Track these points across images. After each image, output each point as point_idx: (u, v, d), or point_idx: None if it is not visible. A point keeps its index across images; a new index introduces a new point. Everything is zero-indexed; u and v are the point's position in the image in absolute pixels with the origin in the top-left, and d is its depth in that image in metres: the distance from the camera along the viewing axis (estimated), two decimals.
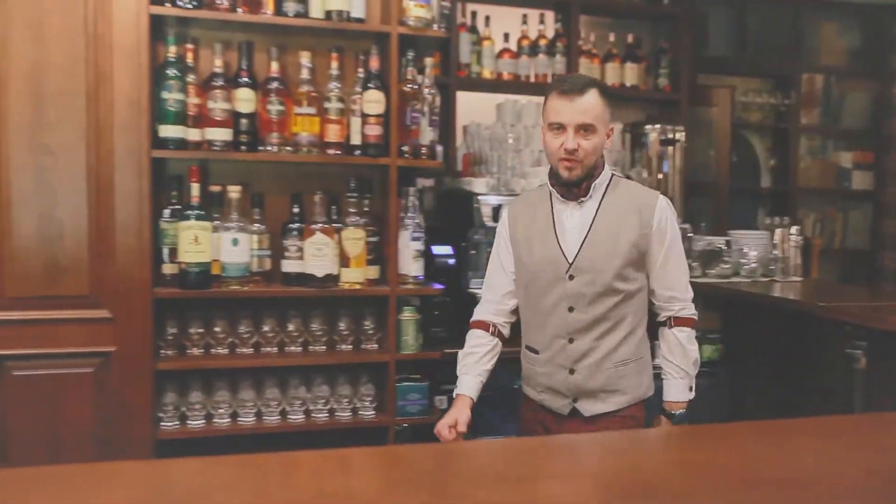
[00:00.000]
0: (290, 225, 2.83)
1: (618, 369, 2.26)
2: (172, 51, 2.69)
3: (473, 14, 3.77)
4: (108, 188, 2.61)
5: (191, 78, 2.72)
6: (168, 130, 2.66)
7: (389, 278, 2.90)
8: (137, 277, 2.65)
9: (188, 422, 2.79)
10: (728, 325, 3.40)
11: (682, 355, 2.30)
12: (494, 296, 2.40)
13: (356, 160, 2.86)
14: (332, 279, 2.83)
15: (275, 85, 2.77)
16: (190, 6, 2.68)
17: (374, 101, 2.80)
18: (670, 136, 3.70)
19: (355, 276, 2.86)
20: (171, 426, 2.76)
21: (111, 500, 1.18)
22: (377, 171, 2.97)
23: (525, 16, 3.85)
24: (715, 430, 1.59)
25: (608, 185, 2.28)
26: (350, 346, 2.96)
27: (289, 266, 2.83)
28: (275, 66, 2.78)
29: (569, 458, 1.35)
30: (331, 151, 2.82)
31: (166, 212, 2.77)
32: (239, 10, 2.74)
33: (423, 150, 2.92)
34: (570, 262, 2.22)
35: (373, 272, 2.92)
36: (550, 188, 2.28)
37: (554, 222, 2.27)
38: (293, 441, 2.88)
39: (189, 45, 2.76)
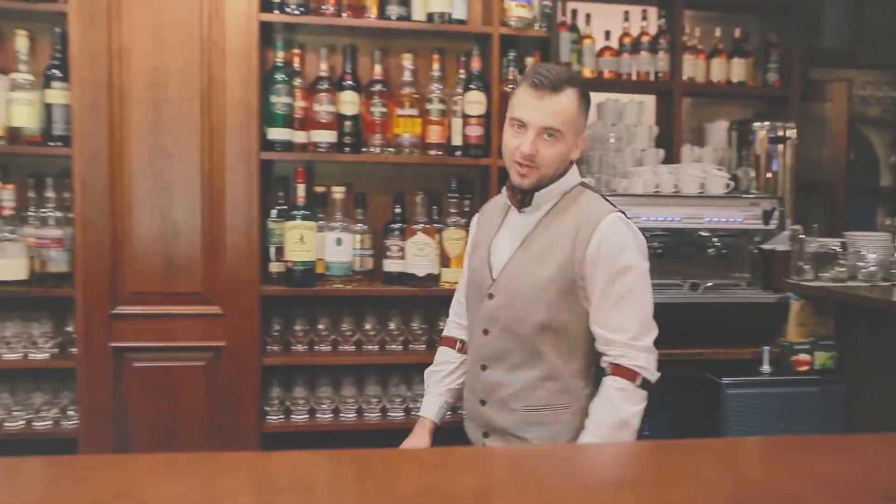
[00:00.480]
0: (392, 225, 2.87)
1: (530, 414, 1.91)
2: (280, 56, 2.77)
3: (574, 12, 3.72)
4: (219, 189, 2.72)
5: (297, 82, 2.80)
6: (276, 133, 2.75)
7: None
8: (246, 275, 2.74)
9: (292, 416, 2.87)
10: (844, 331, 3.23)
11: (606, 411, 1.86)
12: (458, 308, 2.20)
13: (457, 161, 2.88)
14: (433, 279, 2.86)
15: (378, 87, 2.82)
16: (297, 12, 2.75)
17: (475, 101, 2.81)
18: (780, 133, 3.55)
19: (455, 276, 2.87)
20: (276, 420, 2.85)
21: (223, 488, 1.23)
22: (478, 171, 2.98)
23: (627, 12, 3.77)
24: (834, 440, 1.52)
25: (564, 196, 1.94)
26: None
27: (390, 265, 2.87)
28: (378, 68, 2.83)
29: (686, 463, 1.31)
30: (432, 152, 2.85)
31: (273, 212, 2.86)
32: (344, 14, 2.80)
33: None
34: (493, 278, 1.96)
35: None
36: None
37: (497, 232, 2.02)
38: (393, 438, 2.91)
39: (296, 50, 2.84)
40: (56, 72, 2.67)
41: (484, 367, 1.97)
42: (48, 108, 2.68)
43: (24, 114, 2.64)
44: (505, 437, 1.95)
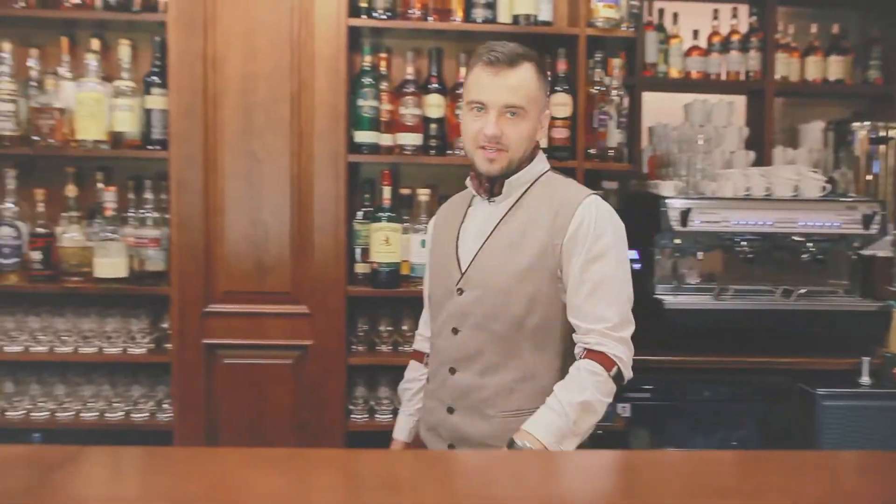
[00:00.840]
0: None
1: (508, 420, 1.75)
2: (368, 60, 2.81)
3: (661, 12, 3.66)
4: (308, 192, 2.78)
5: (384, 85, 2.84)
6: (363, 136, 2.79)
7: None
8: (333, 276, 2.79)
9: (377, 416, 2.90)
10: None
11: (573, 390, 1.69)
12: (424, 319, 2.09)
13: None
14: None
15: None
16: (384, 17, 2.79)
17: (561, 103, 2.79)
18: (882, 133, 3.40)
19: None
20: (360, 419, 2.88)
21: (314, 484, 1.26)
22: (563, 173, 2.94)
23: (716, 10, 3.68)
24: None
25: (535, 182, 1.85)
26: None
27: None
28: (463, 71, 2.84)
29: (780, 475, 1.27)
30: None
31: (359, 213, 2.90)
32: (430, 18, 2.82)
33: (611, 153, 2.87)
34: (462, 272, 1.83)
35: None
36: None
37: (462, 225, 1.90)
38: None
39: (383, 54, 2.88)
40: (155, 79, 2.78)
41: (453, 371, 1.83)
42: (147, 113, 2.79)
43: (125, 119, 2.76)
44: (475, 448, 1.80)
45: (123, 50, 2.78)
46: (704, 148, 3.32)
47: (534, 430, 1.68)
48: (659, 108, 3.71)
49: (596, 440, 2.97)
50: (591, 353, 1.72)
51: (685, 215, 3.07)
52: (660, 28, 3.57)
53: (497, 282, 1.78)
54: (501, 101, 1.75)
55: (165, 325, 2.87)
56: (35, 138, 2.73)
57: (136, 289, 2.81)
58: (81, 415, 2.82)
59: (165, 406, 2.85)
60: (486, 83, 1.76)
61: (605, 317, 1.73)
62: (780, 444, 2.90)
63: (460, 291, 1.82)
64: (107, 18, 2.78)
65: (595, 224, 1.76)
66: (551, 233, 1.77)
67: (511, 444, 1.69)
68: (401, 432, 2.09)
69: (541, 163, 1.89)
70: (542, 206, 1.80)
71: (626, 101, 2.96)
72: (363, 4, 2.78)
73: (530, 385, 1.78)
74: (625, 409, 3.10)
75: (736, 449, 2.77)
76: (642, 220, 3.34)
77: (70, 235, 2.77)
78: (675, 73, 3.53)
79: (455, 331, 1.82)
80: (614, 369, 1.72)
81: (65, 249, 2.77)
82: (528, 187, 1.85)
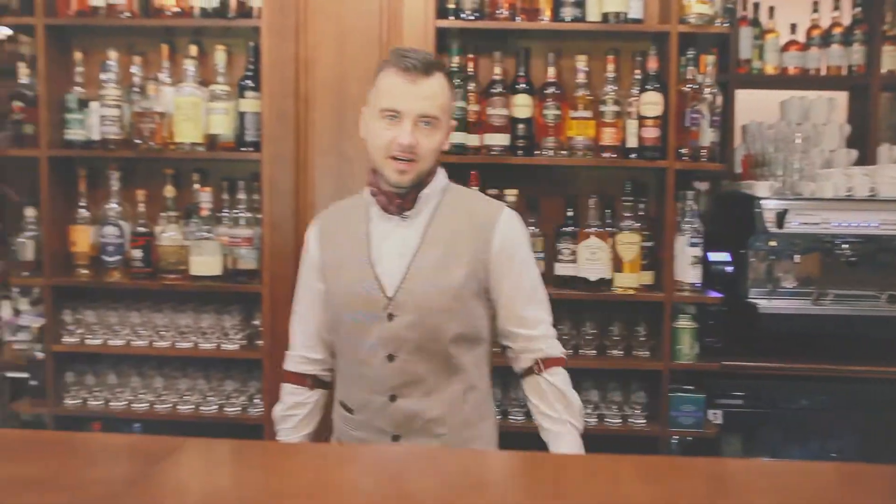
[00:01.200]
0: (564, 228, 2.84)
1: (456, 435, 1.78)
2: (455, 61, 2.82)
3: (756, 6, 3.55)
4: None
5: (471, 86, 2.83)
6: (451, 137, 2.79)
7: (665, 284, 2.81)
8: None
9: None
10: None
11: (564, 405, 1.80)
12: (304, 340, 1.93)
13: (632, 163, 2.80)
14: (606, 283, 2.80)
15: (551, 90, 2.80)
16: (472, 18, 2.79)
17: (651, 102, 2.73)
18: None
19: (629, 281, 2.81)
20: None
21: (409, 482, 1.27)
22: (653, 174, 2.90)
23: (816, 3, 3.54)
24: None
25: (445, 194, 1.82)
26: (621, 352, 2.91)
27: (562, 269, 2.84)
28: (551, 71, 2.81)
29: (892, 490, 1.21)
30: (606, 155, 2.79)
31: None
32: (518, 18, 2.80)
33: (703, 152, 2.80)
34: (390, 297, 1.74)
35: (647, 277, 2.85)
36: (369, 197, 1.82)
37: (370, 244, 1.79)
38: None
39: (470, 55, 2.88)
40: (249, 82, 2.86)
41: (393, 398, 1.76)
42: (241, 116, 2.87)
43: (220, 122, 2.84)
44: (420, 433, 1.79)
45: (219, 55, 2.87)
46: (802, 147, 3.20)
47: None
48: (753, 105, 3.61)
49: (686, 447, 2.93)
50: (549, 361, 1.83)
51: (781, 217, 2.97)
52: (755, 23, 3.46)
53: (433, 304, 1.74)
54: (417, 111, 1.71)
55: (257, 322, 2.95)
56: (137, 141, 2.84)
57: (229, 286, 2.89)
58: (178, 407, 2.93)
59: (256, 401, 2.93)
60: (401, 90, 1.72)
61: (542, 319, 1.85)
62: (885, 458, 2.76)
63: (390, 317, 1.75)
64: (204, 25, 2.87)
65: (516, 235, 1.83)
66: (476, 249, 1.78)
67: None
68: None
69: (441, 174, 1.86)
70: (462, 222, 1.80)
71: (718, 99, 2.87)
72: (451, 6, 2.79)
73: (474, 394, 1.82)
74: (716, 416, 3.02)
75: (836, 461, 2.65)
76: (735, 221, 3.25)
77: (168, 234, 2.87)
78: (770, 69, 3.42)
79: (391, 357, 1.75)
80: (566, 363, 1.87)
81: (163, 248, 2.88)
82: (440, 200, 1.82)
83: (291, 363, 1.96)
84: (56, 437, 1.82)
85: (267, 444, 1.78)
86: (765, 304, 3.01)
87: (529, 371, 1.83)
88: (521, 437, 2.86)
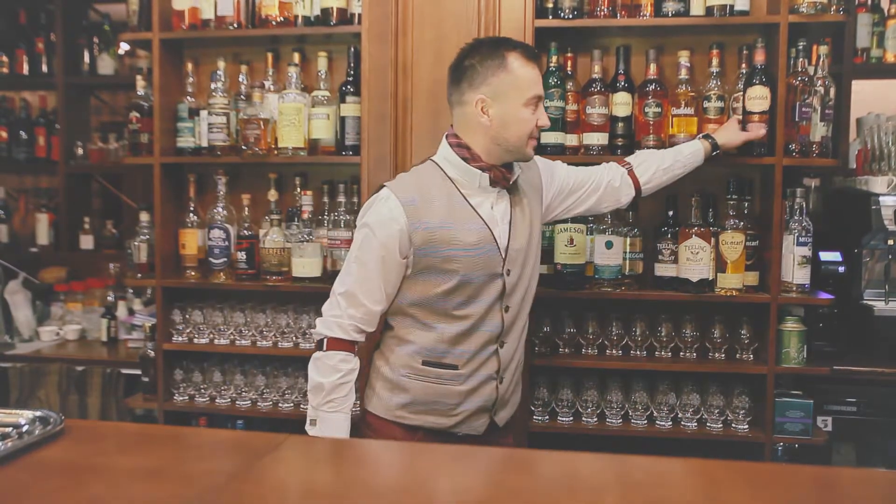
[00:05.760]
0: (665, 228, 2.78)
1: (519, 373, 2.17)
2: (553, 60, 2.79)
3: None
4: None
5: (570, 85, 2.80)
6: (548, 137, 2.77)
7: (770, 285, 2.70)
8: None
9: (558, 417, 2.88)
10: None
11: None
12: (366, 311, 2.01)
13: (736, 160, 2.70)
14: (707, 284, 2.72)
15: (652, 87, 2.73)
16: (571, 16, 2.75)
17: (758, 97, 2.62)
18: None
19: (732, 282, 2.71)
20: (541, 420, 2.87)
21: (504, 483, 1.26)
22: (759, 171, 2.79)
23: None
24: None
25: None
26: (723, 355, 2.82)
27: (662, 270, 2.78)
28: (652, 67, 2.75)
29: None
30: None
31: None
32: (618, 15, 2.75)
33: (814, 148, 2.67)
34: (503, 257, 2.01)
35: (751, 278, 2.74)
36: (464, 171, 2.01)
37: (480, 212, 2.01)
38: (658, 446, 2.83)
39: (568, 54, 2.84)
40: (349, 87, 2.92)
41: (502, 344, 2.05)
42: (342, 120, 2.93)
43: (321, 127, 2.91)
44: (508, 401, 2.13)
45: (321, 61, 2.94)
46: None
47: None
48: (871, 97, 3.42)
49: (792, 454, 2.80)
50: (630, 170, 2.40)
51: None
52: (875, 8, 3.26)
53: (530, 259, 2.08)
54: (542, 93, 2.02)
55: None
56: (242, 147, 2.95)
57: (329, 287, 2.94)
58: (279, 405, 3.01)
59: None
60: (535, 77, 1.98)
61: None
62: None
63: (508, 272, 2.02)
64: (307, 33, 2.95)
65: (550, 166, 2.29)
66: (538, 204, 2.15)
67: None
68: (348, 432, 2.02)
69: None
70: (525, 184, 2.11)
71: (832, 91, 2.73)
72: (549, 5, 2.76)
73: (525, 336, 2.18)
74: (826, 424, 2.89)
75: None
76: (848, 219, 3.10)
77: (271, 237, 2.97)
78: (891, 57, 3.23)
79: (507, 308, 2.03)
80: None
81: (266, 250, 2.97)
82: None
83: (342, 331, 2.03)
84: (166, 432, 1.91)
85: (366, 442, 1.81)
86: (881, 307, 2.86)
87: (628, 175, 2.37)
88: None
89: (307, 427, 2.04)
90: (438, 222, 1.96)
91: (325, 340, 2.04)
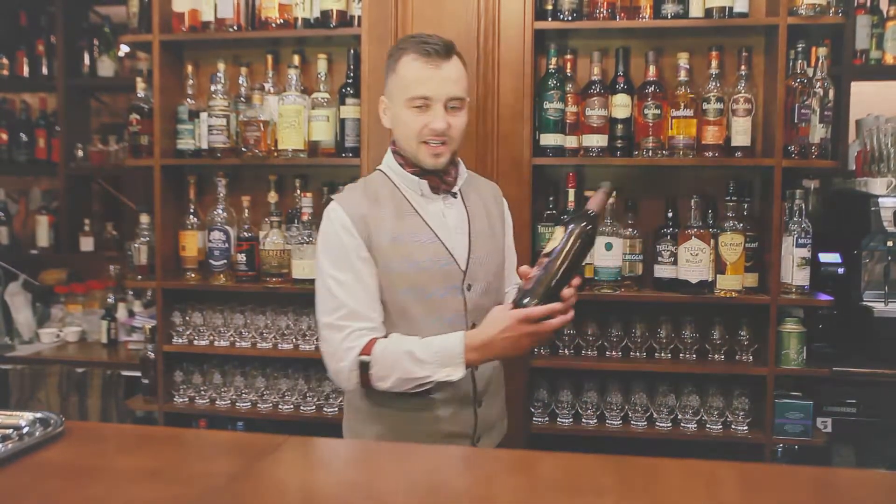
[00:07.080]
0: (664, 230, 2.78)
1: (500, 388, 2.04)
2: (553, 62, 2.80)
3: None
4: None
5: (569, 87, 2.80)
6: (548, 139, 2.78)
7: (770, 287, 2.70)
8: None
9: (558, 419, 2.88)
10: None
11: None
12: (368, 321, 1.79)
13: (737, 162, 2.71)
14: (707, 286, 2.72)
15: (651, 89, 2.74)
16: (570, 18, 2.76)
17: None
18: None
19: (732, 284, 2.71)
20: (541, 422, 2.87)
21: (515, 482, 1.26)
22: (758, 172, 2.79)
23: None
24: None
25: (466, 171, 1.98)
26: (723, 357, 2.82)
27: (661, 271, 2.78)
28: (652, 69, 2.75)
29: None
30: (708, 154, 2.71)
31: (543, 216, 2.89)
32: (618, 17, 2.75)
33: (813, 149, 2.67)
34: (464, 269, 1.85)
35: (751, 280, 2.75)
36: (404, 178, 1.85)
37: (428, 222, 1.84)
38: (658, 448, 2.83)
39: (568, 56, 2.85)
40: (349, 89, 2.92)
41: (476, 366, 1.85)
42: (342, 122, 2.94)
43: (321, 129, 2.92)
44: (494, 424, 1.98)
45: (321, 64, 2.94)
46: None
47: None
48: (870, 98, 3.43)
49: (792, 456, 2.80)
50: None
51: None
52: (874, 10, 3.27)
53: (494, 271, 1.94)
54: (445, 94, 1.78)
55: None
56: (242, 149, 2.95)
57: None
58: (279, 407, 3.02)
59: None
60: (427, 77, 1.77)
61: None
62: None
63: (469, 287, 1.86)
64: (306, 35, 2.95)
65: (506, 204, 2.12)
66: (498, 215, 2.02)
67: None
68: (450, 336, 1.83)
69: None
70: (483, 196, 1.99)
71: (831, 93, 2.74)
72: (549, 7, 2.77)
73: None
74: (825, 425, 2.89)
75: None
76: (848, 221, 3.11)
77: (271, 239, 2.97)
78: (890, 58, 3.23)
79: (473, 325, 1.84)
80: None
81: (266, 252, 2.97)
82: (465, 177, 1.96)
83: (360, 340, 1.77)
84: (166, 433, 1.92)
85: (365, 443, 1.81)
86: (880, 308, 2.86)
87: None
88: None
89: (452, 376, 1.75)
90: (390, 239, 1.81)
91: (358, 361, 1.76)
